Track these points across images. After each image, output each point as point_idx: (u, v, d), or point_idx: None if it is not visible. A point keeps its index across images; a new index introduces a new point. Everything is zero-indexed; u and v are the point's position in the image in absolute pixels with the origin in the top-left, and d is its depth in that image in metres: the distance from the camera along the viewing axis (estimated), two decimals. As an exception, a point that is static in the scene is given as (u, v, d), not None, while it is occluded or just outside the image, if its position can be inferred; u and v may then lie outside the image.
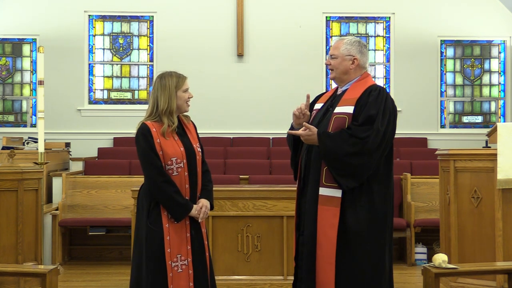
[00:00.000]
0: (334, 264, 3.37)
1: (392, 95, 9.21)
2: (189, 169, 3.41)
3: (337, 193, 3.38)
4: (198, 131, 3.64)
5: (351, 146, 3.33)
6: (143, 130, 3.37)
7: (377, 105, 3.40)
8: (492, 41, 9.39)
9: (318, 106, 3.71)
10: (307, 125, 3.41)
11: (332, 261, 3.37)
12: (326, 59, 3.70)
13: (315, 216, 3.43)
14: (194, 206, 3.43)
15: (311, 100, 3.70)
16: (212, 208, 3.57)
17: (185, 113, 3.56)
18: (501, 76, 9.42)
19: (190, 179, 3.42)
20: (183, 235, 3.38)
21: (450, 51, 9.40)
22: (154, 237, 3.34)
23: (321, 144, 3.37)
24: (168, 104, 3.39)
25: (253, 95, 9.10)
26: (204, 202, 3.47)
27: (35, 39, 9.08)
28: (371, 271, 3.40)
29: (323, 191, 3.42)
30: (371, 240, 3.40)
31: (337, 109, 3.49)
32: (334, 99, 3.61)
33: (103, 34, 9.22)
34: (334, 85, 3.88)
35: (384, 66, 9.34)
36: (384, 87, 9.25)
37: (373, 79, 9.18)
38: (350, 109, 3.44)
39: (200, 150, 3.52)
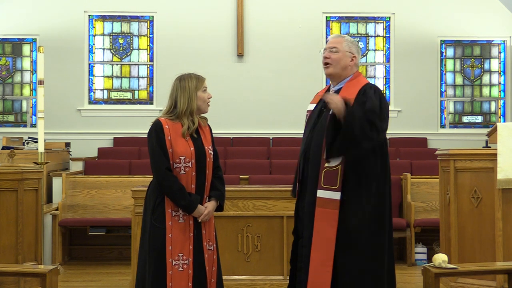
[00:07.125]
0: (331, 266, 3.33)
1: (392, 95, 9.23)
2: (198, 169, 3.42)
3: (336, 195, 3.35)
4: None
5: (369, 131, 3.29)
6: (156, 126, 3.41)
7: (376, 101, 3.38)
8: (492, 41, 9.39)
9: (311, 107, 3.69)
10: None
11: (330, 264, 3.33)
12: (323, 53, 3.63)
13: (313, 218, 3.41)
14: (199, 207, 3.41)
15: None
16: (221, 209, 3.58)
17: (203, 115, 3.57)
18: (501, 76, 9.42)
19: (198, 180, 3.42)
20: (186, 234, 3.38)
21: (450, 51, 9.40)
22: (157, 234, 3.36)
23: (348, 113, 3.27)
24: (188, 104, 3.42)
25: (253, 95, 9.10)
26: (210, 207, 3.46)
27: (35, 39, 9.08)
28: (371, 273, 3.36)
29: (321, 193, 3.40)
30: (371, 242, 3.36)
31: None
32: None
33: (103, 34, 9.22)
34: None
35: (384, 66, 9.34)
36: (385, 88, 9.26)
37: (373, 79, 9.27)
38: None
39: (212, 153, 3.53)
